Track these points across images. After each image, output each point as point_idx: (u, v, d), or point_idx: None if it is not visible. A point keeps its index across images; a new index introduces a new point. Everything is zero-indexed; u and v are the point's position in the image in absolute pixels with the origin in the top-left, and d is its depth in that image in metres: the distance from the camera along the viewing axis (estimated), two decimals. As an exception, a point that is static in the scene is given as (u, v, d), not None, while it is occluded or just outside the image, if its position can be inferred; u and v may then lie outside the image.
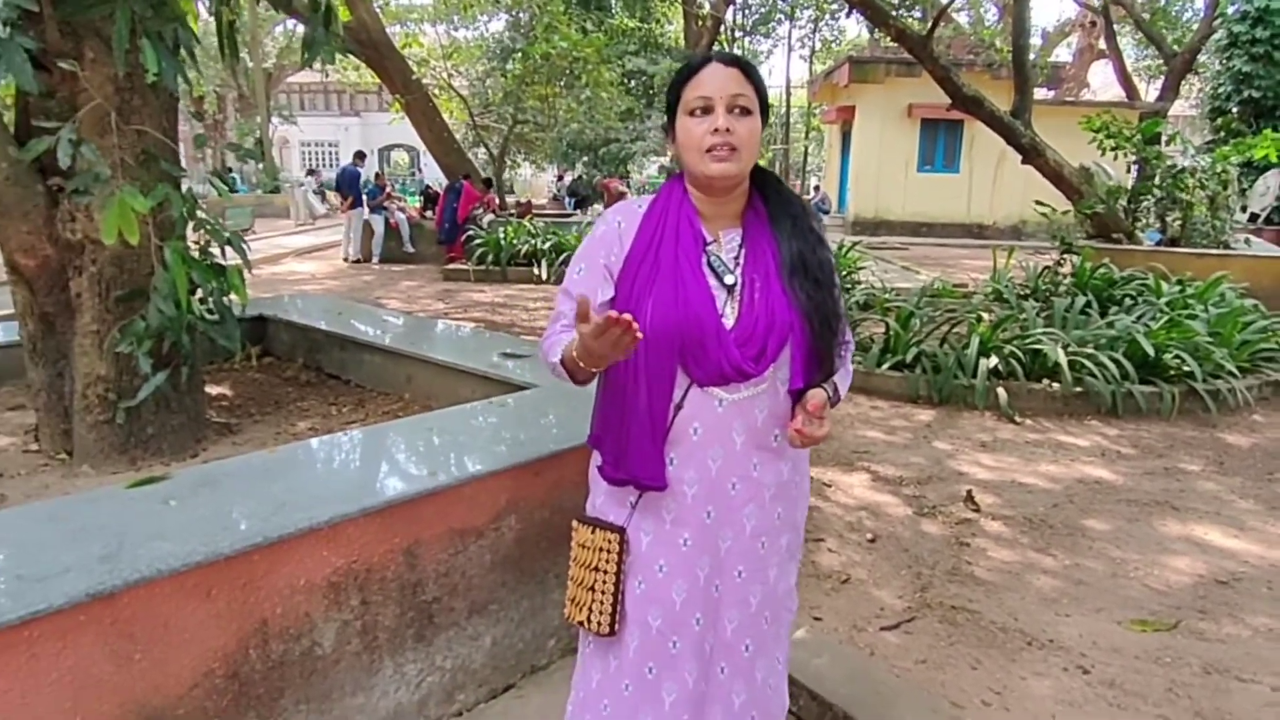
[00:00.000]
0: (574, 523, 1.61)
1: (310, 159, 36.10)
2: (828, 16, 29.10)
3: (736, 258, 1.50)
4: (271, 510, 1.79)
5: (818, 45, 31.46)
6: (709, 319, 1.43)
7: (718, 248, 1.51)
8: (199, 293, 2.63)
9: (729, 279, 1.47)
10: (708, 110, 1.43)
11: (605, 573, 1.52)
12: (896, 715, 2.19)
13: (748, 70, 1.46)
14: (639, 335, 1.27)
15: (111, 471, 2.63)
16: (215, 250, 2.70)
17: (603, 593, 1.52)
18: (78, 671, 1.48)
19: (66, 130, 2.22)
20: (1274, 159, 9.87)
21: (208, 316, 2.68)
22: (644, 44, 22.13)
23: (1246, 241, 10.02)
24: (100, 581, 1.49)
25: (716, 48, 22.48)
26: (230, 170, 25.69)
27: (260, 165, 23.46)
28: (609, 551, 1.52)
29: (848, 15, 27.80)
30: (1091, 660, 2.72)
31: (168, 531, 1.69)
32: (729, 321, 1.45)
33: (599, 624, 1.52)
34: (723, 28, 23.47)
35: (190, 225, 2.65)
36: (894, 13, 9.56)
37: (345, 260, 13.13)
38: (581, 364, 1.37)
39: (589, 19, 17.97)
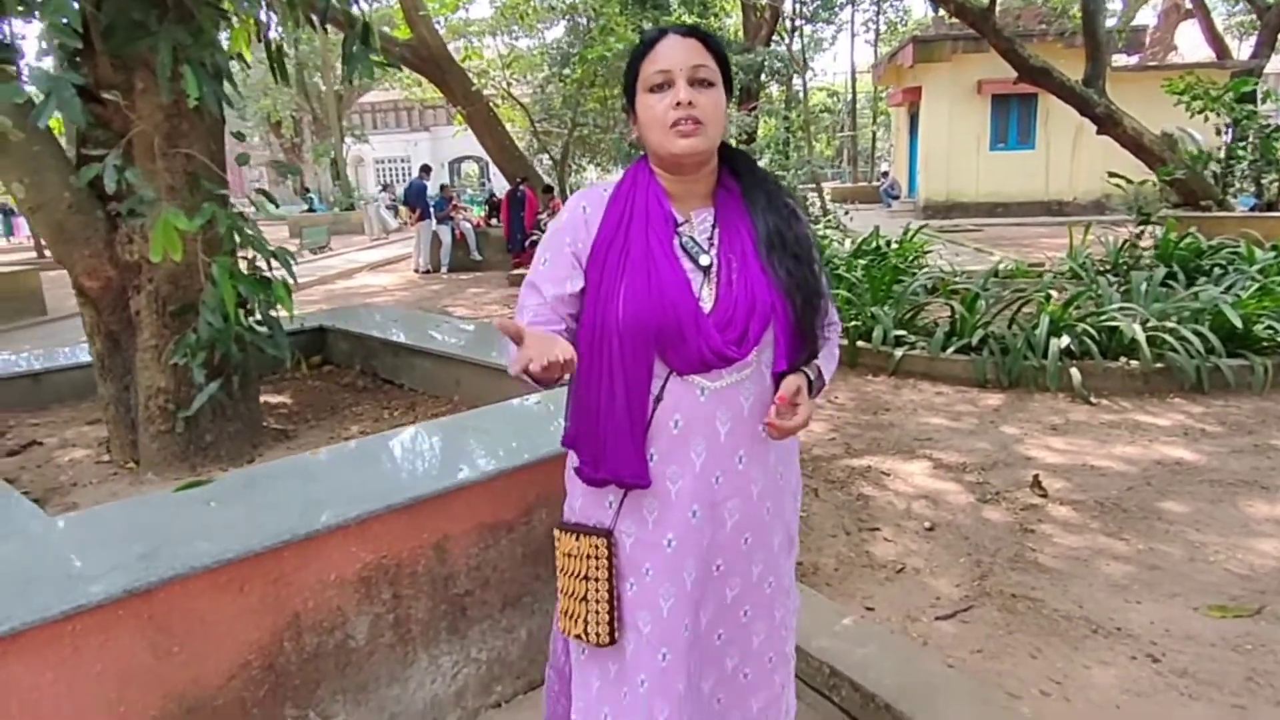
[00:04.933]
0: (555, 531, 1.52)
1: (384, 175, 37.29)
2: (891, -2, 28.43)
3: (710, 238, 1.43)
4: (303, 509, 1.85)
5: (883, 28, 30.74)
6: (685, 304, 1.35)
7: (689, 228, 1.43)
8: (249, 305, 2.75)
9: (704, 260, 1.40)
10: (668, 84, 1.35)
11: (597, 581, 1.43)
12: (943, 706, 2.12)
13: (707, 40, 1.39)
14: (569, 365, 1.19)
15: (174, 478, 2.77)
16: (263, 265, 2.82)
17: (597, 602, 1.43)
18: (120, 664, 1.56)
19: (112, 157, 2.36)
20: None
21: (257, 328, 2.80)
22: (703, 39, 21.99)
23: (1353, 201, 9.33)
24: (137, 578, 1.57)
25: (776, 38, 22.21)
26: (309, 190, 26.77)
27: (336, 183, 24.35)
28: (597, 558, 1.43)
29: (912, -6, 27.06)
30: (1163, 648, 2.57)
31: (207, 531, 1.76)
32: (707, 305, 1.38)
33: (598, 635, 1.44)
34: (782, 17, 23.18)
35: (239, 242, 2.77)
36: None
37: (416, 271, 13.51)
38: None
39: (645, 17, 17.98)
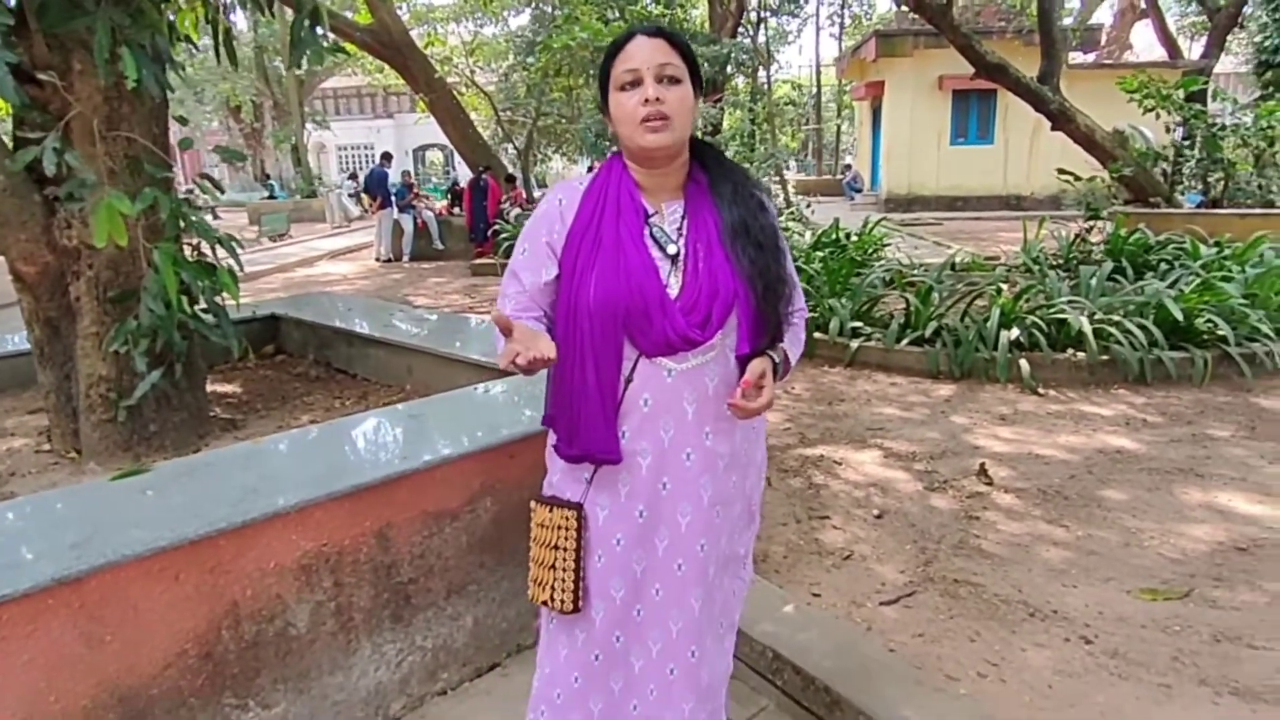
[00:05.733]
0: (531, 503, 1.62)
1: (346, 162, 36.72)
2: (855, -8, 28.61)
3: (679, 228, 1.50)
4: (240, 497, 1.84)
5: (847, 21, 30.93)
6: (652, 289, 1.43)
7: (660, 219, 1.51)
8: (192, 292, 2.71)
9: (671, 249, 1.48)
10: (636, 83, 1.43)
11: (565, 550, 1.53)
12: (880, 688, 2.16)
13: (673, 39, 1.46)
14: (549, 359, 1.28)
15: (117, 467, 2.72)
16: (208, 252, 2.78)
17: (564, 570, 1.53)
18: (49, 653, 1.54)
19: (50, 139, 2.30)
20: (1323, 112, 9.44)
21: (202, 316, 2.76)
22: (669, 30, 21.97)
23: (1293, 199, 9.62)
24: (67, 567, 1.55)
25: (742, 30, 22.24)
26: (269, 177, 26.28)
27: (297, 170, 23.93)
28: (567, 529, 1.53)
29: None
30: (1095, 630, 2.66)
31: (142, 520, 1.75)
32: (673, 291, 1.45)
33: (563, 602, 1.53)
34: (748, 9, 23.21)
35: (182, 227, 2.72)
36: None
37: (377, 260, 13.36)
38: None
39: (610, 7, 17.91)
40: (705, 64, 20.48)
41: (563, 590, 1.53)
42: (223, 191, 2.97)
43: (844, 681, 2.19)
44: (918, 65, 18.09)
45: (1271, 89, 13.20)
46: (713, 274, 1.45)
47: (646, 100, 1.41)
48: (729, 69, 20.95)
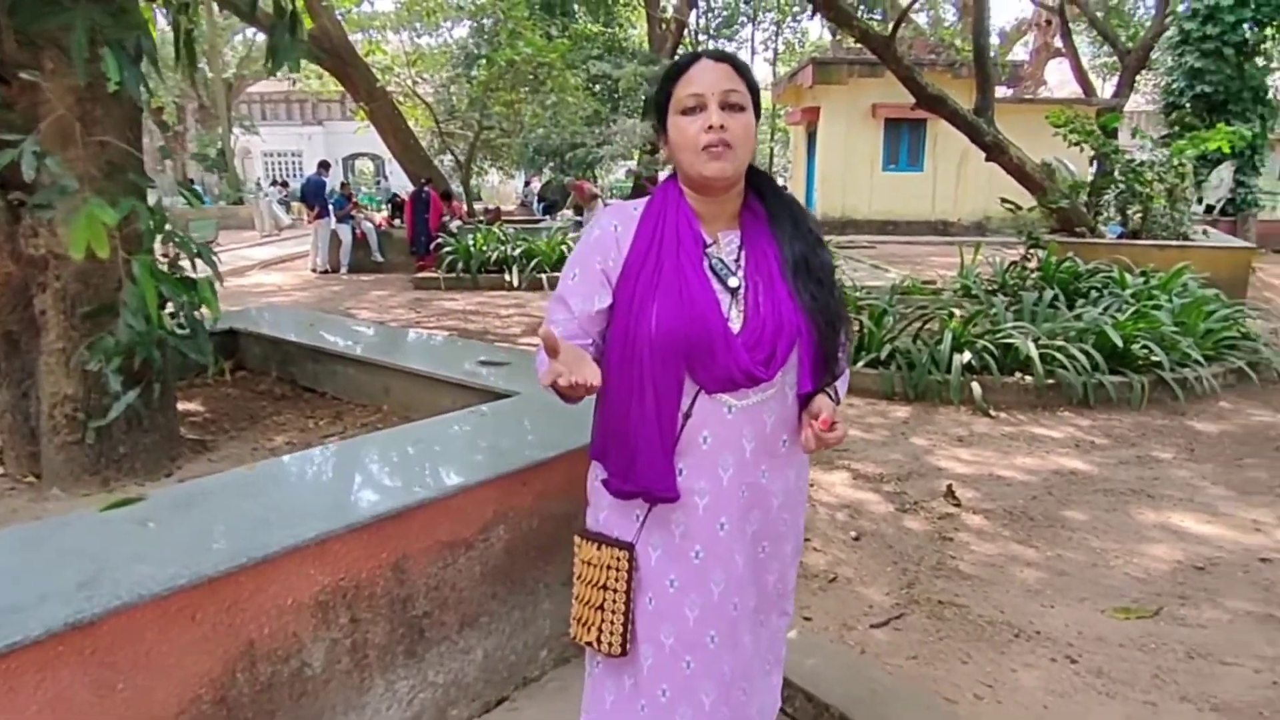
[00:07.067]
0: (576, 539, 1.55)
1: (274, 169, 35.59)
2: (790, 19, 29.33)
3: (737, 259, 1.46)
4: (254, 529, 1.74)
5: (781, 48, 31.68)
6: (716, 324, 1.39)
7: (717, 249, 1.47)
8: (169, 307, 2.56)
9: (732, 281, 1.43)
10: (700, 107, 1.38)
11: (615, 591, 1.46)
12: (893, 714, 2.19)
13: (739, 66, 1.43)
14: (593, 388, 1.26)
15: (83, 493, 2.55)
16: (185, 263, 2.64)
17: (613, 612, 1.47)
18: (58, 703, 1.42)
19: (29, 142, 2.15)
20: (1226, 151, 10.10)
21: (178, 331, 2.61)
22: (608, 48, 22.09)
23: (1205, 233, 10.25)
24: (79, 610, 1.43)
25: (681, 50, 22.55)
26: (192, 182, 25.28)
27: (222, 176, 23.10)
28: (618, 570, 1.46)
29: (811, 17, 28.04)
30: (1078, 650, 2.74)
31: (147, 554, 1.63)
32: (735, 326, 1.41)
33: (610, 645, 1.47)
34: (686, 31, 23.56)
35: (159, 238, 2.58)
36: (856, 14, 9.65)
37: (313, 271, 12.96)
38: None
39: (553, 24, 17.93)
40: (645, 84, 20.76)
41: (611, 633, 1.47)
42: (203, 200, 2.82)
43: (857, 708, 2.20)
44: (852, 93, 18.63)
45: (1178, 128, 14.04)
46: (776, 309, 1.42)
47: (711, 127, 1.37)
48: (668, 89, 21.24)
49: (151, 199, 2.61)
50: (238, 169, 26.76)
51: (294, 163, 36.65)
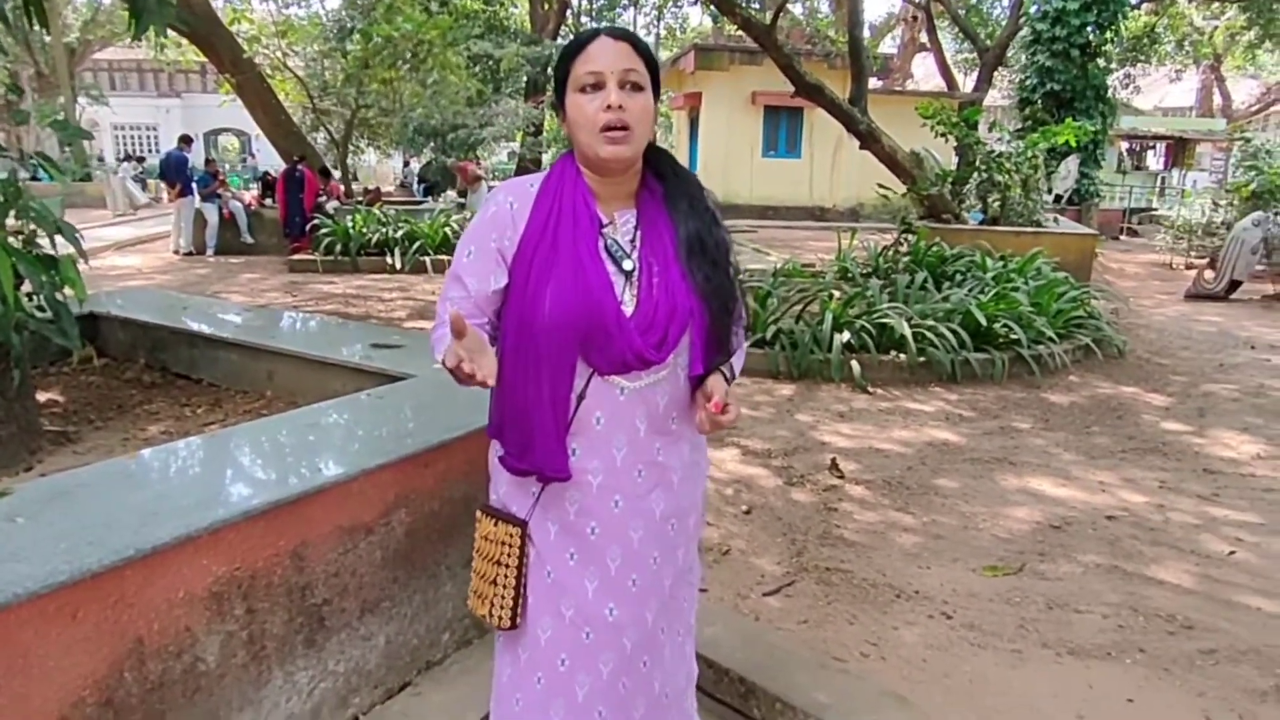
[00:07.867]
0: (478, 513, 1.56)
1: (126, 143, 33.01)
2: (672, 3, 29.55)
3: (632, 240, 1.46)
4: (141, 520, 1.64)
5: (663, 32, 31.90)
6: (609, 308, 1.39)
7: (613, 230, 1.46)
8: (26, 287, 2.36)
9: (627, 264, 1.43)
10: (598, 86, 1.37)
11: (507, 566, 1.49)
12: (789, 675, 2.29)
13: (638, 45, 1.41)
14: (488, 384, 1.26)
15: (-72, 492, 2.33)
16: (44, 241, 2.43)
17: (504, 586, 1.49)
18: (-78, 715, 1.31)
19: None
20: (1073, 145, 10.95)
21: (39, 314, 2.41)
22: (489, 27, 21.66)
23: (1055, 220, 11.08)
24: (-55, 613, 1.32)
25: (564, 31, 22.35)
26: (30, 156, 23.11)
27: (65, 150, 21.23)
28: (510, 545, 1.49)
29: (693, 3, 28.32)
30: (953, 606, 2.95)
31: (19, 552, 1.51)
32: (628, 309, 1.41)
33: (500, 618, 1.50)
34: (568, 12, 23.35)
35: (11, 212, 2.37)
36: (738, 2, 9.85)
37: (176, 253, 12.16)
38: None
39: (433, 0, 17.37)
40: (526, 64, 20.46)
41: (501, 606, 1.49)
42: (64, 172, 2.61)
43: (757, 671, 2.30)
44: (733, 80, 19.00)
45: (1031, 123, 15.08)
46: (669, 292, 1.42)
47: (609, 107, 1.36)
48: (550, 70, 21.07)
49: (2, 171, 2.39)
50: (85, 143, 24.67)
51: (149, 137, 34.15)
